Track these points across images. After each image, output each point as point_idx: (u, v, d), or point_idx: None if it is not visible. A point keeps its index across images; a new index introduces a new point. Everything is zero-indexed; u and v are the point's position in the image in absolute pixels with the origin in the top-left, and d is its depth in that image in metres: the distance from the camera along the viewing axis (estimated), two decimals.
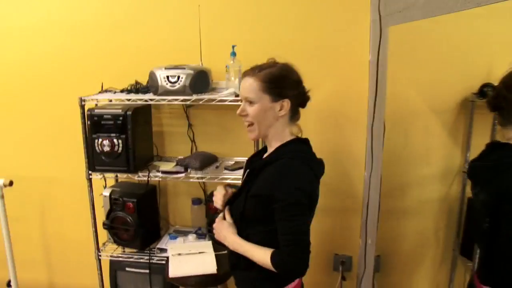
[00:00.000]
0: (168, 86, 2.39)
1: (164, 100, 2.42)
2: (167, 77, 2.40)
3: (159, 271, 2.60)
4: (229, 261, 1.80)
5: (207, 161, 2.59)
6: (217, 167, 2.60)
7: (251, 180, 1.67)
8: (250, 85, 1.62)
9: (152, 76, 2.44)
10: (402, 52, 2.48)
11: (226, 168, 2.55)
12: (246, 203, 1.65)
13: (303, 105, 1.73)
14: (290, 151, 1.63)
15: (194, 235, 2.73)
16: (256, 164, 1.69)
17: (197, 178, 2.52)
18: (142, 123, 2.56)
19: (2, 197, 2.75)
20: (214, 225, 1.78)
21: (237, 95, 2.40)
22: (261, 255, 1.60)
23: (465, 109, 2.54)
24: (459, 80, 2.52)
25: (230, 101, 2.37)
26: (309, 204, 1.60)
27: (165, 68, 2.41)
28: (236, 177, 2.45)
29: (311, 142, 2.73)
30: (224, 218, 1.77)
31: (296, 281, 1.75)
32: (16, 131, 3.09)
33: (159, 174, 2.52)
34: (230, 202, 1.78)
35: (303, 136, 1.77)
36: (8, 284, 2.95)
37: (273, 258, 1.56)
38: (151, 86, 2.46)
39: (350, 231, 2.79)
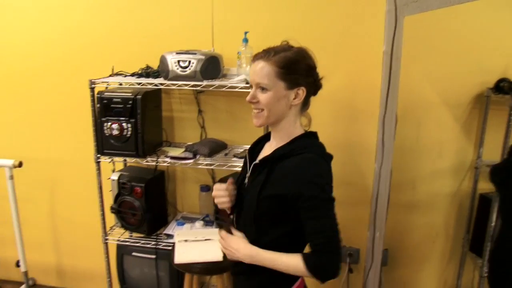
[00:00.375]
0: (179, 71, 2.37)
1: (174, 85, 2.41)
2: (178, 61, 2.38)
3: (165, 257, 2.60)
4: (231, 266, 1.68)
5: (216, 148, 2.58)
6: (226, 154, 2.59)
7: (261, 176, 1.51)
8: (264, 70, 1.44)
9: (163, 61, 2.42)
10: (417, 43, 2.44)
11: (235, 156, 2.53)
12: (260, 204, 1.48)
13: (315, 93, 1.58)
14: (307, 146, 1.50)
15: (202, 222, 2.72)
16: (269, 157, 1.53)
17: (206, 164, 2.51)
18: (151, 107, 2.55)
19: (12, 178, 2.76)
20: (222, 244, 1.60)
21: (247, 82, 2.37)
22: (290, 261, 1.45)
23: (479, 104, 2.50)
24: (474, 74, 2.47)
25: (241, 88, 2.35)
26: (332, 200, 1.47)
27: (176, 53, 2.39)
28: None
29: (322, 133, 2.70)
30: (229, 231, 1.61)
31: (299, 280, 1.60)
32: (26, 112, 3.09)
33: (168, 159, 2.51)
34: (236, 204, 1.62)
35: (311, 128, 1.66)
36: (17, 264, 2.98)
37: (307, 261, 1.41)
38: (162, 70, 2.44)
39: (359, 224, 2.76)
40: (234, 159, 2.50)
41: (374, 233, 2.42)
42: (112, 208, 2.66)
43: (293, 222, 1.47)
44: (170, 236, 2.64)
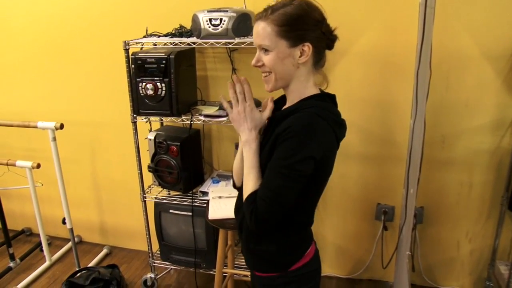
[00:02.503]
0: (211, 29, 2.37)
1: (206, 43, 2.41)
2: (210, 20, 2.37)
3: (201, 214, 2.66)
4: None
5: None
6: (260, 111, 2.58)
7: (267, 136, 1.45)
8: (263, 30, 1.34)
9: (195, 19, 2.42)
10: None
11: None
12: (261, 157, 1.42)
13: (330, 46, 1.43)
14: (312, 105, 1.36)
15: None
16: (271, 119, 1.47)
17: None
18: (185, 67, 2.57)
19: (54, 139, 2.86)
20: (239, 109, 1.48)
21: None
22: (248, 184, 1.39)
23: None
24: None
25: None
26: (314, 172, 1.33)
27: (208, 11, 2.39)
28: None
29: (357, 89, 2.68)
30: None
31: (312, 247, 1.55)
32: (65, 77, 3.18)
33: (202, 117, 2.53)
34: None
35: (329, 89, 1.51)
36: (63, 221, 3.12)
37: (248, 198, 1.36)
38: (194, 29, 2.44)
39: (394, 181, 2.74)
40: None
41: (407, 190, 2.41)
42: (149, 167, 2.73)
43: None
44: (205, 193, 2.69)
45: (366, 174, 2.80)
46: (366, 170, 2.80)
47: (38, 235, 3.30)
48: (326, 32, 1.39)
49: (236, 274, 2.68)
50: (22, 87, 3.32)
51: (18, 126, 2.98)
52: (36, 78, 3.26)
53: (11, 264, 3.25)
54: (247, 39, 2.36)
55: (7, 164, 2.99)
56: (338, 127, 1.39)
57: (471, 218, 2.72)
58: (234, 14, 2.36)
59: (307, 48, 1.35)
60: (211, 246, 2.73)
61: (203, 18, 2.39)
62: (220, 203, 2.48)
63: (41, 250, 3.40)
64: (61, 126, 2.83)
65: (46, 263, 3.29)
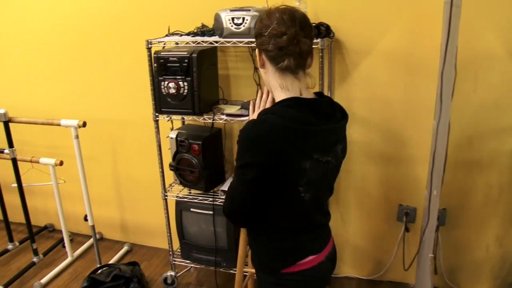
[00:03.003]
0: (233, 28, 2.37)
1: (228, 42, 2.41)
2: (232, 19, 2.37)
3: (222, 213, 2.65)
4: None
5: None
6: None
7: None
8: None
9: (217, 18, 2.42)
10: None
11: None
12: None
13: (276, 59, 1.41)
14: (273, 112, 1.37)
15: None
16: None
17: None
18: (207, 65, 2.57)
19: (77, 137, 2.89)
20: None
21: None
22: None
23: None
24: None
25: None
26: (259, 177, 1.36)
27: (230, 10, 2.39)
28: None
29: (379, 89, 2.66)
30: None
31: (310, 258, 1.54)
32: (88, 75, 3.21)
33: (224, 116, 2.54)
34: None
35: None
36: (85, 218, 3.15)
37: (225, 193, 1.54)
38: (217, 28, 2.44)
39: (417, 182, 2.71)
40: None
41: (430, 191, 2.38)
42: (171, 165, 2.74)
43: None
44: (226, 192, 2.68)
45: (388, 175, 2.78)
46: (388, 170, 2.77)
47: (60, 231, 3.35)
48: (264, 43, 1.40)
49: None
50: (46, 85, 3.37)
51: (42, 124, 3.02)
52: (59, 76, 3.30)
53: (35, 259, 3.30)
54: None
55: (31, 161, 3.04)
56: (298, 135, 1.34)
57: (499, 221, 2.66)
58: (257, 13, 2.35)
59: (258, 54, 1.45)
60: (232, 245, 2.73)
61: (225, 17, 2.39)
62: None
63: (63, 246, 3.44)
64: (84, 124, 2.86)
65: (68, 259, 3.34)
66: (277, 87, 1.44)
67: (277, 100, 1.45)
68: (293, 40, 1.36)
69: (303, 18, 1.41)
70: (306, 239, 1.54)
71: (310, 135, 1.37)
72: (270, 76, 1.45)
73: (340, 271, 3.07)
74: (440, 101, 2.16)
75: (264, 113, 1.39)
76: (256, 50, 1.46)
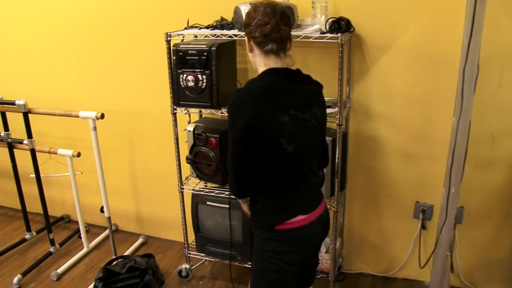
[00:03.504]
0: None
1: None
2: None
3: (238, 207, 2.65)
4: None
5: None
6: None
7: None
8: None
9: (237, 12, 2.41)
10: None
11: None
12: None
13: (262, 43, 1.74)
14: (252, 81, 1.73)
15: None
16: None
17: None
18: (226, 59, 2.57)
19: (95, 129, 2.91)
20: None
21: (323, 32, 2.33)
22: None
23: None
24: None
25: (315, 38, 2.31)
26: (246, 135, 1.66)
27: (250, 4, 2.37)
28: None
29: (397, 85, 2.64)
30: None
31: (299, 217, 1.80)
32: (107, 67, 3.23)
33: None
34: None
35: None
36: (101, 209, 3.17)
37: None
38: (236, 21, 2.44)
39: (434, 179, 2.69)
40: None
41: (449, 189, 2.35)
42: (187, 158, 2.75)
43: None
44: None
45: (404, 171, 2.76)
46: (405, 167, 2.75)
47: (76, 222, 3.38)
48: (252, 31, 1.72)
49: None
50: (64, 77, 3.39)
51: (61, 115, 3.05)
52: (78, 68, 3.32)
53: (51, 249, 3.34)
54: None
55: (49, 152, 3.07)
56: (273, 93, 1.69)
57: None
58: None
59: (247, 41, 1.77)
60: (247, 239, 2.73)
61: (245, 10, 2.37)
62: None
63: (79, 237, 3.47)
64: (102, 116, 2.88)
65: (84, 250, 3.37)
66: (263, 65, 1.76)
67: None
68: (275, 28, 1.69)
69: (283, 10, 1.74)
70: (296, 199, 1.80)
71: (283, 93, 1.70)
72: (257, 58, 1.77)
73: (354, 267, 3.06)
74: (461, 98, 2.13)
75: (239, 88, 1.74)
76: (246, 38, 1.77)
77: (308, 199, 1.84)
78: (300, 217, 1.79)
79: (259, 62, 1.77)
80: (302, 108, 1.73)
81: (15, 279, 3.01)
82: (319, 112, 1.82)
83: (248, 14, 1.76)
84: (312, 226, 1.83)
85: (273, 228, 1.78)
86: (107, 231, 3.52)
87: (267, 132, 1.67)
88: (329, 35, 2.30)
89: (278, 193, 1.79)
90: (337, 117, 2.39)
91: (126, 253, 3.28)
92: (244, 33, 1.81)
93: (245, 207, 1.99)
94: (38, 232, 3.60)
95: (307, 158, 1.80)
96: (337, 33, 2.30)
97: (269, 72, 1.73)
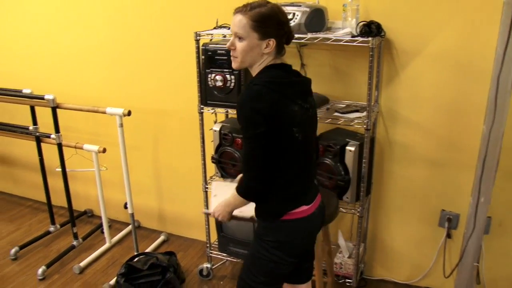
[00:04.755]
0: None
1: None
2: None
3: (240, 194, 2.64)
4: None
5: (318, 102, 2.54)
6: (328, 109, 2.56)
7: None
8: (240, 22, 1.72)
9: None
10: None
11: (337, 111, 2.50)
12: None
13: (288, 42, 1.81)
14: (254, 78, 1.75)
15: None
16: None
17: None
18: None
19: (121, 125, 2.93)
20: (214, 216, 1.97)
21: (353, 36, 2.31)
22: (235, 195, 1.82)
23: None
24: None
25: (346, 42, 2.29)
26: (267, 128, 1.66)
27: (281, 5, 2.36)
28: (347, 121, 2.41)
29: (426, 91, 2.61)
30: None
31: (303, 207, 1.83)
32: (134, 64, 3.25)
33: None
34: None
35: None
36: (125, 206, 3.20)
37: (238, 190, 1.79)
38: None
39: (461, 188, 2.64)
40: (336, 114, 2.47)
41: (478, 198, 2.31)
42: (213, 158, 2.75)
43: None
44: None
45: (431, 178, 2.71)
46: (431, 174, 2.71)
47: (99, 217, 3.41)
48: (287, 32, 1.77)
49: None
50: (92, 73, 3.43)
51: (88, 111, 3.08)
52: (106, 65, 3.35)
53: (75, 243, 3.38)
54: (320, 35, 2.34)
55: (75, 147, 3.10)
56: (283, 86, 1.72)
57: None
58: (308, 9, 2.33)
59: (272, 42, 1.73)
60: None
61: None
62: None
63: (102, 232, 3.50)
64: (129, 113, 2.90)
65: (106, 245, 3.40)
66: (264, 65, 1.77)
67: (254, 71, 1.80)
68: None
69: None
70: (302, 189, 1.85)
71: (290, 85, 1.75)
72: (267, 59, 1.76)
73: (376, 273, 3.03)
74: (494, 106, 2.09)
75: (250, 83, 1.71)
76: (271, 39, 1.72)
77: (310, 189, 1.90)
78: (304, 207, 1.83)
79: (266, 63, 1.77)
80: (304, 98, 1.80)
81: (40, 270, 3.06)
82: (313, 101, 1.89)
83: (280, 12, 1.76)
84: (314, 217, 1.89)
85: (278, 218, 1.81)
86: (129, 227, 3.55)
87: (283, 122, 1.71)
88: (360, 38, 2.28)
89: (287, 183, 1.80)
90: (365, 121, 2.37)
91: (147, 250, 3.30)
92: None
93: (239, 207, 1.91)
94: (62, 225, 3.65)
95: (311, 146, 1.88)
96: (367, 37, 2.28)
97: (271, 67, 1.77)
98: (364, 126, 2.37)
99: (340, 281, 2.77)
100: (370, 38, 2.25)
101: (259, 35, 1.71)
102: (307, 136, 1.82)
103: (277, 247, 1.84)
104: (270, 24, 1.71)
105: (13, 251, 3.31)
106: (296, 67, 2.74)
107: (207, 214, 2.08)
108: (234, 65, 1.81)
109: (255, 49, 1.73)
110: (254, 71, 1.80)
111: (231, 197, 1.87)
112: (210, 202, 2.29)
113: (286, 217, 1.81)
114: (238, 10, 1.76)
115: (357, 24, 2.36)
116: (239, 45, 1.74)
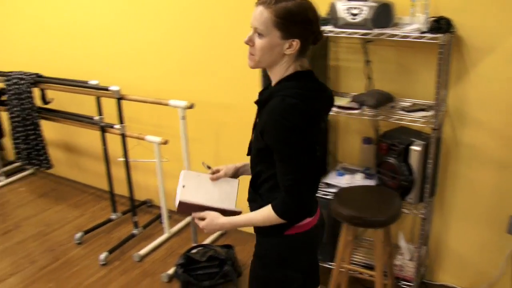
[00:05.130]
0: (349, 18, 2.31)
1: (343, 32, 2.35)
2: (349, 8, 2.31)
3: (324, 206, 2.62)
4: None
5: (383, 99, 2.49)
6: (392, 107, 2.49)
7: (258, 115, 1.66)
8: (261, 16, 1.49)
9: (332, 8, 2.37)
10: None
11: (402, 109, 2.43)
12: (255, 139, 1.66)
13: (315, 43, 1.59)
14: (286, 88, 1.53)
15: (362, 175, 2.69)
16: (257, 100, 1.67)
17: (371, 116, 2.45)
18: (317, 55, 2.54)
19: (184, 118, 2.98)
20: (202, 226, 1.77)
21: (422, 32, 2.23)
22: (263, 213, 1.60)
23: None
24: None
25: (414, 38, 2.22)
26: (305, 141, 1.51)
27: (347, 0, 2.33)
28: (412, 119, 2.34)
29: (501, 91, 2.49)
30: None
31: (307, 220, 1.68)
32: (197, 58, 3.29)
33: (334, 108, 2.48)
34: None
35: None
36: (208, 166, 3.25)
37: (275, 208, 1.56)
38: (331, 18, 2.39)
39: None
40: (401, 112, 2.40)
41: None
42: None
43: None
44: (330, 185, 2.65)
45: (500, 182, 2.59)
46: (500, 177, 2.58)
47: (158, 206, 3.49)
48: (315, 32, 1.54)
49: (351, 270, 2.63)
50: (156, 66, 3.50)
51: (152, 103, 3.15)
52: (170, 58, 3.41)
53: (135, 231, 3.47)
54: (387, 31, 2.28)
55: (138, 138, 3.18)
56: (312, 99, 1.54)
57: None
58: (375, 4, 2.28)
59: (296, 43, 1.50)
60: (330, 238, 2.69)
61: (342, 6, 2.33)
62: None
63: (161, 222, 3.58)
64: (192, 106, 2.94)
65: (165, 235, 3.47)
66: (291, 68, 1.56)
67: (284, 76, 1.58)
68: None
69: None
70: (313, 202, 1.72)
71: (317, 99, 1.58)
72: (289, 60, 1.55)
73: (437, 278, 2.93)
74: None
75: (284, 95, 1.50)
76: (295, 40, 1.50)
77: (314, 204, 1.75)
78: (308, 220, 1.68)
79: (288, 64, 1.57)
80: (326, 114, 1.75)
81: (102, 256, 3.18)
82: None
83: (310, 8, 1.51)
84: (317, 229, 1.76)
85: (281, 233, 1.65)
86: (188, 219, 3.60)
87: (311, 141, 1.54)
88: (429, 35, 2.20)
89: None
90: (432, 121, 2.29)
91: (205, 242, 3.34)
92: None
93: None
94: (123, 214, 3.76)
95: (324, 162, 1.85)
96: (436, 33, 2.19)
97: (299, 74, 1.57)
98: (431, 126, 2.29)
99: (400, 284, 2.70)
100: (440, 35, 2.17)
101: (281, 33, 1.48)
102: (323, 152, 1.71)
103: (281, 265, 1.69)
104: (296, 23, 1.48)
105: (78, 235, 3.45)
106: (360, 63, 2.69)
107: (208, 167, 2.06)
108: (250, 63, 1.61)
109: (276, 49, 1.52)
110: (274, 74, 1.60)
111: (236, 220, 1.73)
112: (177, 193, 2.00)
113: (289, 231, 1.65)
114: (261, 1, 1.50)
115: (426, 20, 2.28)
116: (258, 42, 1.52)
